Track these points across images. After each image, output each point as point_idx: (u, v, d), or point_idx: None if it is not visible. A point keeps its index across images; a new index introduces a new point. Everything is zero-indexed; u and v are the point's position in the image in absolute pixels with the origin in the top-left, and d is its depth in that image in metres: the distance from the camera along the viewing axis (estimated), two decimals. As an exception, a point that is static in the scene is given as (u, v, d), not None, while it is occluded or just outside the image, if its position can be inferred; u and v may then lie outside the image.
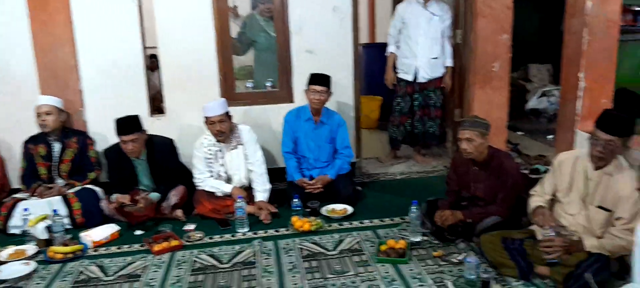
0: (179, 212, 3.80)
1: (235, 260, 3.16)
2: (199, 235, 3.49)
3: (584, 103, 3.46)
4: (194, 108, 4.02)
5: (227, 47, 4.33)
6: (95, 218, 3.67)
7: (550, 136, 5.61)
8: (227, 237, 3.50)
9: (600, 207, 2.68)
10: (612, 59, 3.47)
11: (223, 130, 3.72)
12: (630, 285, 1.52)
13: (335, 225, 3.64)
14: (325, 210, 3.81)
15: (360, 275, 2.92)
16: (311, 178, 4.06)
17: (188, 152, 3.95)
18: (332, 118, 4.14)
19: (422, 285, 2.79)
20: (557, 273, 2.66)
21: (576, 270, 2.56)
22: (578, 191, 2.77)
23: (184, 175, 3.95)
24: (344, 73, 4.41)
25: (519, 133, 6.08)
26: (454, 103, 5.07)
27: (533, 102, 6.62)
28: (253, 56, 4.79)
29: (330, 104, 4.21)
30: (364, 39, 7.61)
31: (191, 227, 3.56)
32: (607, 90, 3.51)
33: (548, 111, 6.39)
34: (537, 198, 2.98)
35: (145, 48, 4.21)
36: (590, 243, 2.64)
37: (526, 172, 4.27)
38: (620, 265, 2.62)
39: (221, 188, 3.81)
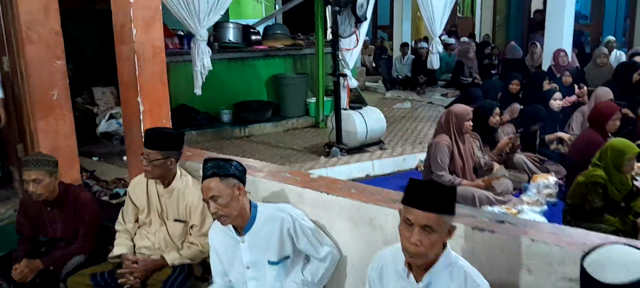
0: None
1: None
2: None
3: (145, 125, 3.58)
4: None
5: None
6: None
7: (125, 157, 5.73)
8: None
9: (177, 220, 2.92)
10: (164, 81, 3.76)
11: None
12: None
13: None
14: None
15: None
16: None
17: None
18: None
19: None
20: (147, 295, 2.78)
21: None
22: (155, 209, 2.93)
23: None
24: None
25: (95, 158, 5.97)
26: (15, 138, 4.52)
27: (103, 126, 6.59)
28: None
29: None
30: None
31: None
32: (165, 110, 3.79)
33: (119, 133, 6.48)
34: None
35: None
36: (172, 258, 2.83)
37: (107, 198, 4.26)
38: (203, 268, 2.93)
39: None
